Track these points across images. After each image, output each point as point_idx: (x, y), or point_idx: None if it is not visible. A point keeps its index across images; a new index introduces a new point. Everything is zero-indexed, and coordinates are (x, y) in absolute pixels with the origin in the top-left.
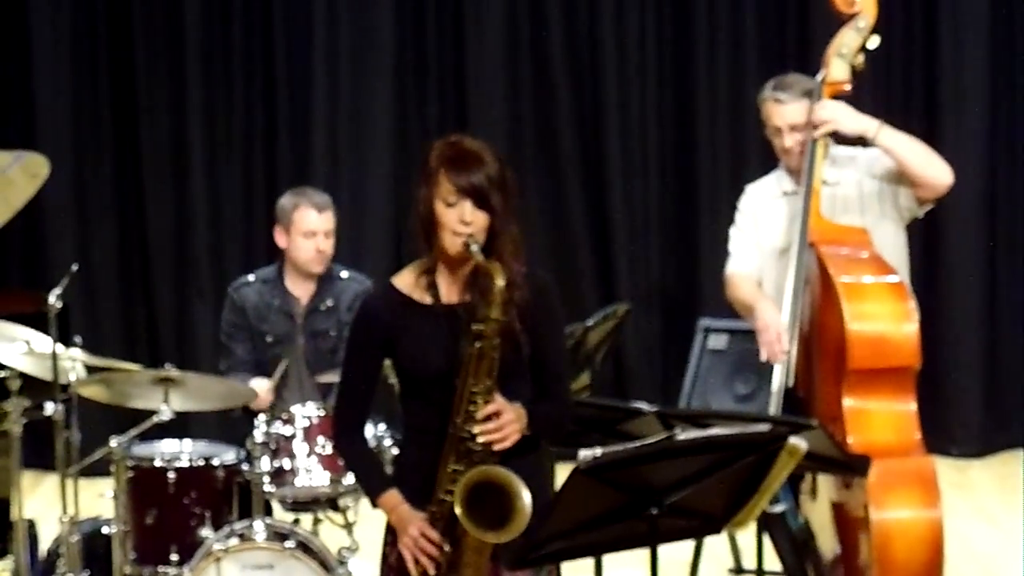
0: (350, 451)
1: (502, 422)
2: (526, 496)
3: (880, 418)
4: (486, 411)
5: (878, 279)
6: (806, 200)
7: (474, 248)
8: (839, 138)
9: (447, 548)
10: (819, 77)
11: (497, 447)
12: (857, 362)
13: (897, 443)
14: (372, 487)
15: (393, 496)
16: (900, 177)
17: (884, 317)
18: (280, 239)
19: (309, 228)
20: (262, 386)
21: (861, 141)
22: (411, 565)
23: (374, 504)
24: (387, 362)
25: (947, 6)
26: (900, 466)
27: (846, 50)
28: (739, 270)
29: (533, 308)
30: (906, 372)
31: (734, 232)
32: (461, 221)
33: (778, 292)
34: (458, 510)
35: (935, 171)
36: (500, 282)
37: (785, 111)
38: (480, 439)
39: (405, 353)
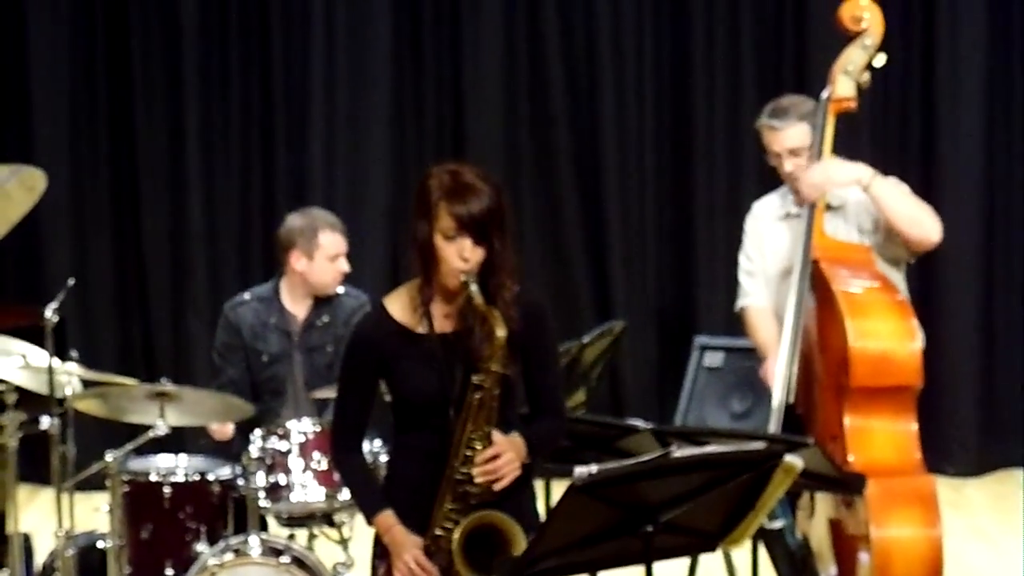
0: (348, 470)
1: (500, 463)
2: (524, 543)
3: (881, 437)
4: (486, 455)
5: (882, 296)
6: (809, 218)
7: (473, 288)
8: (836, 148)
9: None
10: (824, 94)
11: (496, 487)
12: (859, 380)
13: (898, 462)
14: (368, 506)
15: (388, 517)
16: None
17: (888, 335)
18: (298, 262)
19: (335, 251)
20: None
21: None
22: None
23: (369, 523)
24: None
25: (945, 24)
26: (901, 485)
27: (852, 67)
28: (755, 304)
29: (525, 331)
30: (908, 391)
31: (744, 261)
32: (460, 257)
33: (781, 313)
34: (456, 559)
35: (923, 229)
36: (501, 333)
37: (783, 137)
38: (479, 480)
39: (399, 381)
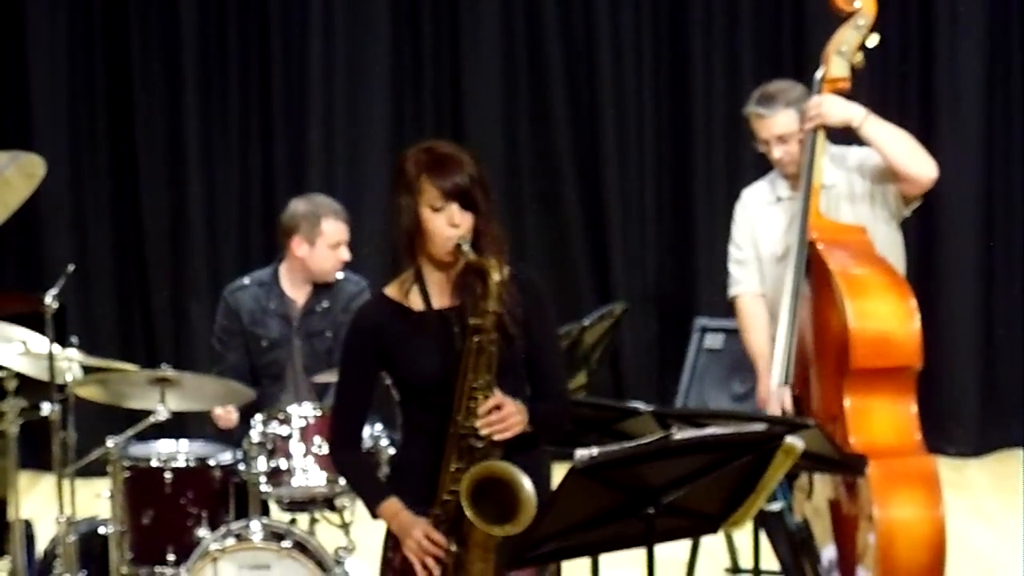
0: (347, 464)
1: (504, 413)
2: (529, 486)
3: (882, 418)
4: (488, 405)
5: (880, 277)
6: (805, 199)
7: (465, 247)
8: (830, 131)
9: (453, 549)
10: (818, 75)
11: (500, 437)
12: (860, 361)
13: (898, 443)
14: (371, 498)
15: (393, 504)
16: (887, 175)
17: (887, 316)
18: (299, 247)
19: (337, 239)
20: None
21: (852, 136)
22: (418, 569)
23: (374, 515)
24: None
25: (944, 5)
26: (903, 465)
27: (846, 47)
28: (747, 291)
29: (522, 305)
30: (908, 372)
31: (733, 250)
32: (450, 224)
33: (777, 297)
34: (464, 503)
35: (918, 165)
36: (496, 276)
37: (771, 123)
38: (483, 432)
39: (401, 361)
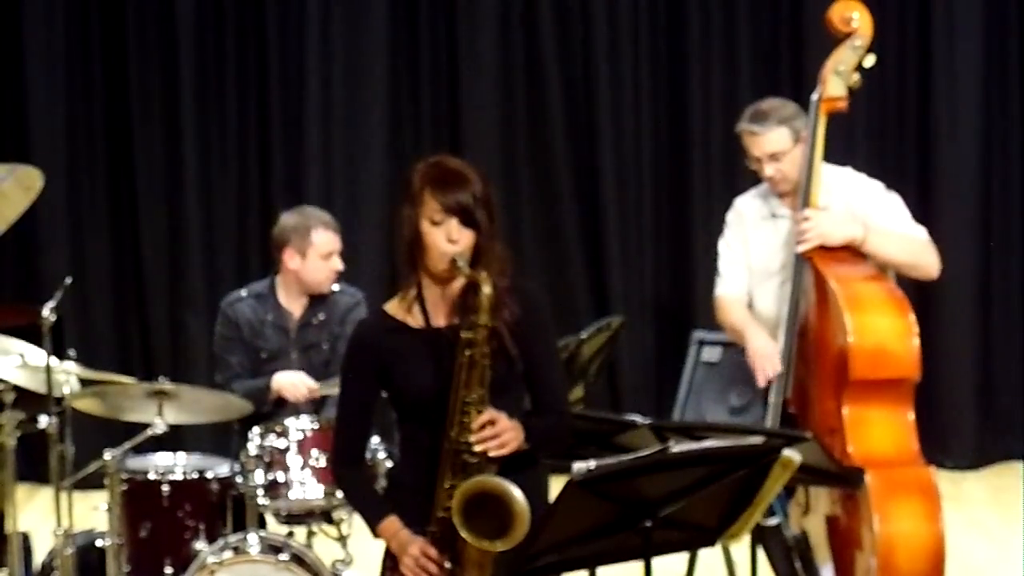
0: (349, 483)
1: (498, 429)
2: (522, 500)
3: (880, 427)
4: (481, 420)
5: (879, 291)
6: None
7: (460, 263)
8: (826, 154)
9: (448, 565)
10: (815, 96)
11: (494, 454)
12: (859, 372)
13: (897, 453)
14: (372, 517)
15: (393, 523)
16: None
17: (886, 330)
18: (291, 260)
19: (328, 250)
20: (299, 378)
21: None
22: None
23: (375, 534)
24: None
25: (941, 24)
26: (902, 475)
27: (843, 67)
28: (728, 293)
29: (522, 321)
30: (906, 383)
31: (723, 249)
32: (448, 239)
33: (766, 312)
34: (456, 520)
35: (922, 270)
36: (487, 289)
37: (762, 141)
38: (477, 448)
39: (398, 378)
